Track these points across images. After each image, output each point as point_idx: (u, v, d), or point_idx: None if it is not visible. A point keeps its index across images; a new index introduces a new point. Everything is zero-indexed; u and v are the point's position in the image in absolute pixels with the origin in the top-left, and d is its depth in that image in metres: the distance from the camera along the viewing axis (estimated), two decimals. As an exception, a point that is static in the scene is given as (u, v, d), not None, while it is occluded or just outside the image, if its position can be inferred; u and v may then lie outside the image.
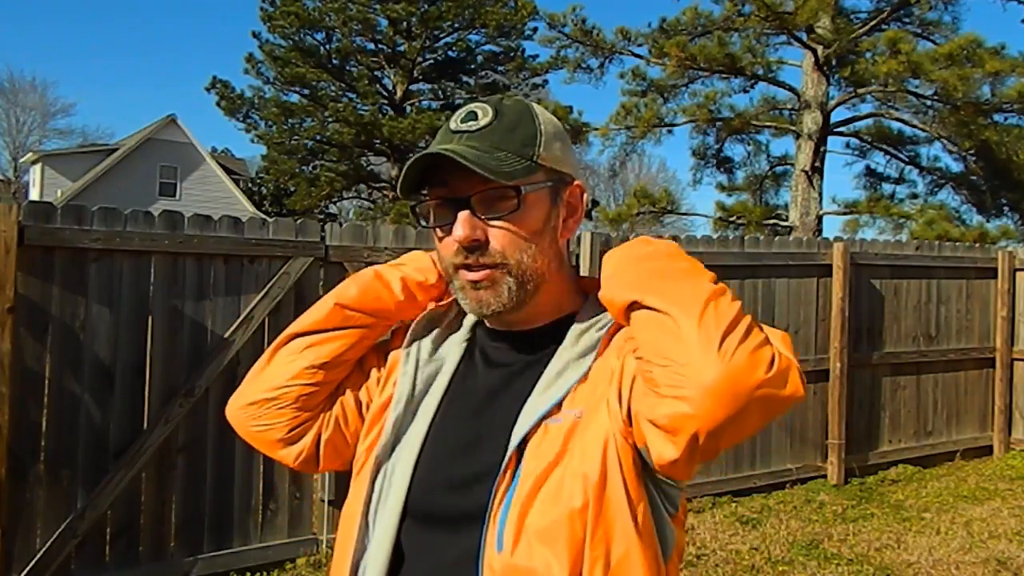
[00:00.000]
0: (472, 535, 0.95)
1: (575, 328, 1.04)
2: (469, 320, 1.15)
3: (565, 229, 1.06)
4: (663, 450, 0.87)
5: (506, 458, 0.96)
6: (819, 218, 13.65)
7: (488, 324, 1.11)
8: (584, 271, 4.78)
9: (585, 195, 1.09)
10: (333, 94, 23.02)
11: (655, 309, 0.90)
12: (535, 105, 1.08)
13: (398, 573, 1.01)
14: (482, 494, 0.96)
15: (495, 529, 0.93)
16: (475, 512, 0.96)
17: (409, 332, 1.15)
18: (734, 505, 5.43)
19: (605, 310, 1.02)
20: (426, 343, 1.14)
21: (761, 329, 0.91)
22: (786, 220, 14.09)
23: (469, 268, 1.01)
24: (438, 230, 1.04)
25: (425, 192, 1.04)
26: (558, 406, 0.98)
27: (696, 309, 0.87)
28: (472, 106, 1.04)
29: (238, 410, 1.17)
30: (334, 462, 1.17)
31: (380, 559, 1.01)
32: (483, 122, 1.01)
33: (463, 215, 0.99)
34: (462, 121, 1.02)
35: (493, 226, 1.00)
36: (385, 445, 1.07)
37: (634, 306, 0.93)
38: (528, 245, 1.00)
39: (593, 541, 0.90)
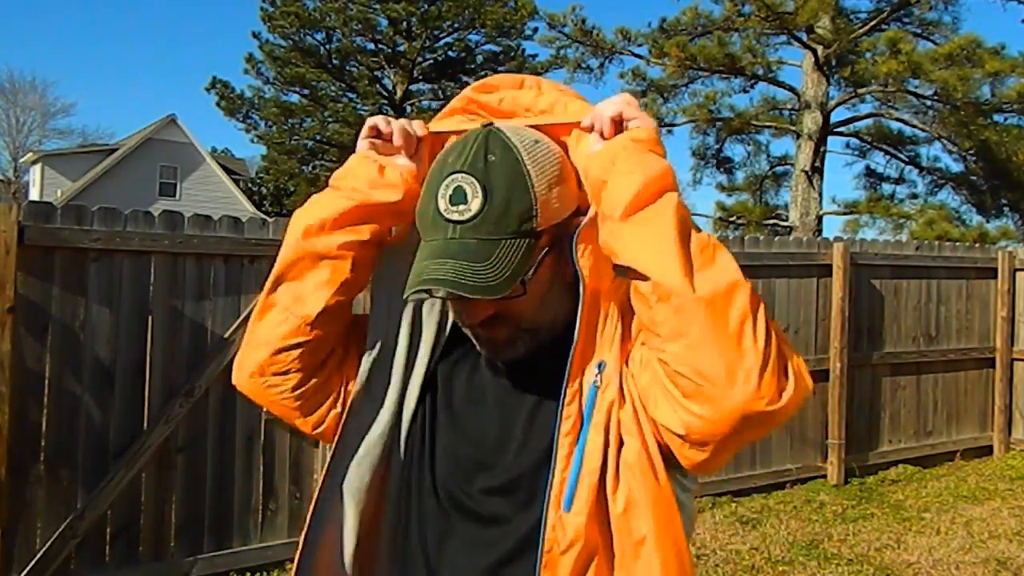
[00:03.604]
0: (522, 526, 0.98)
1: None
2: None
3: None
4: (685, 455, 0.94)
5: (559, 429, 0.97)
6: (819, 218, 13.66)
7: None
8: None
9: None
10: (333, 94, 23.03)
11: (681, 305, 0.88)
12: (522, 150, 0.99)
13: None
14: (532, 493, 0.98)
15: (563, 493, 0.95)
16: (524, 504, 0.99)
17: (375, 274, 1.12)
18: (734, 505, 5.42)
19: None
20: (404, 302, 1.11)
21: (779, 338, 0.92)
22: (786, 220, 14.11)
23: (483, 327, 1.02)
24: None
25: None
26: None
27: (735, 327, 0.87)
28: (459, 180, 0.97)
29: (245, 381, 1.13)
30: None
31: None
32: (474, 208, 0.96)
33: (474, 303, 0.99)
34: (452, 202, 0.97)
35: (504, 303, 0.99)
36: (388, 423, 1.08)
37: (637, 277, 0.92)
38: (538, 304, 1.01)
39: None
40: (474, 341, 1.06)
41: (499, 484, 1.02)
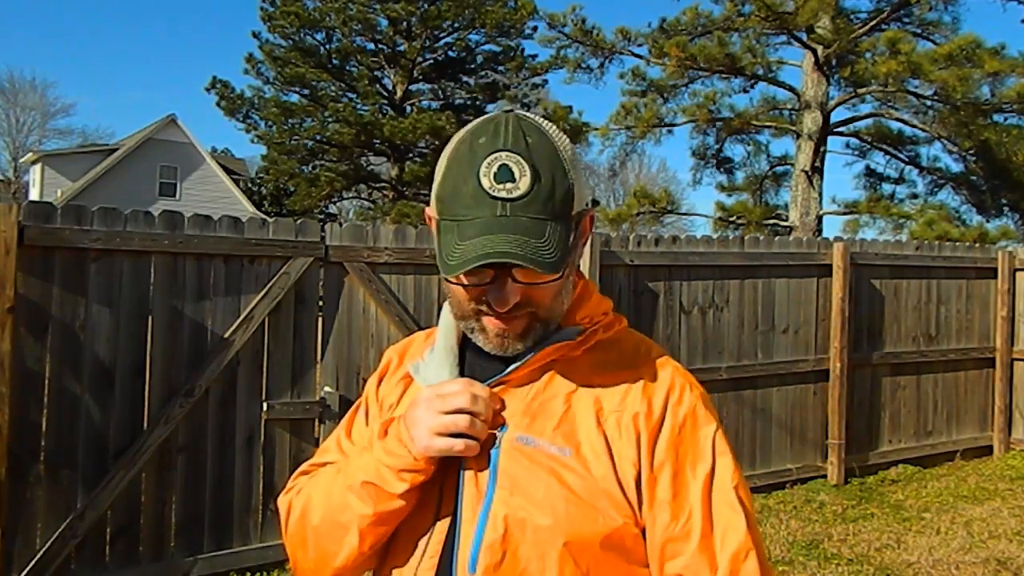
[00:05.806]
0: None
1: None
2: (450, 343, 1.09)
3: (577, 255, 1.05)
4: None
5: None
6: (819, 218, 13.66)
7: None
8: (583, 271, 4.76)
9: (594, 217, 1.08)
10: (333, 94, 23.00)
11: None
12: (554, 135, 0.98)
13: None
14: None
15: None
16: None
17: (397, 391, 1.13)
18: (734, 505, 5.42)
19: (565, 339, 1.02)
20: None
21: None
22: (786, 220, 14.11)
23: (498, 315, 0.98)
24: (462, 276, 0.96)
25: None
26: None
27: None
28: (504, 159, 0.93)
29: None
30: None
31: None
32: (523, 187, 0.92)
33: (509, 286, 0.95)
34: (497, 180, 0.92)
35: (532, 289, 0.97)
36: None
37: None
38: (559, 294, 1.00)
39: None
40: (480, 338, 1.01)
41: None
